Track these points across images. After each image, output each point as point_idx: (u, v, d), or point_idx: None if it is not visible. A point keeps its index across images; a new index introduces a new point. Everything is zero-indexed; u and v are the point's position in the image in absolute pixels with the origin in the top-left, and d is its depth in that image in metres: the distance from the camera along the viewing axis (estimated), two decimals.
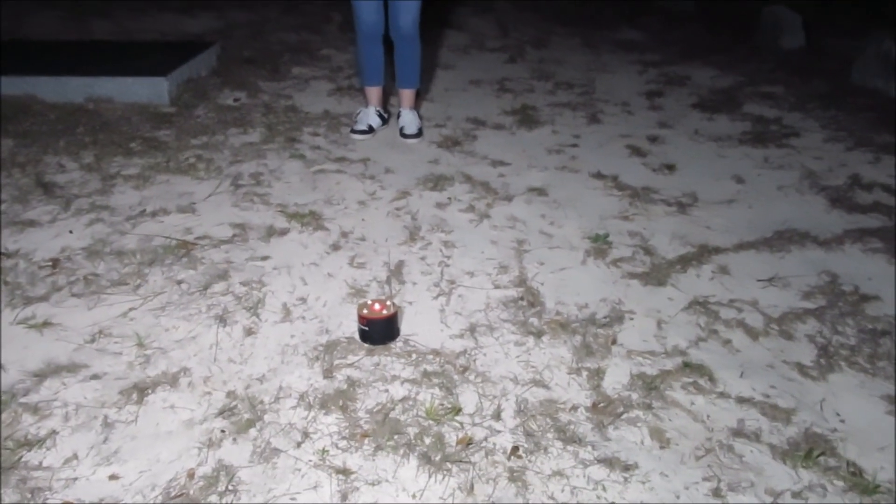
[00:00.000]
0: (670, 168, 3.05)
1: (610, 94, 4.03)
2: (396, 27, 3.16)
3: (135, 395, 1.66)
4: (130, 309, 2.00)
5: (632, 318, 2.01)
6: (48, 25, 5.29)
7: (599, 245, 2.40)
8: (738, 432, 1.59)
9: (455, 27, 5.47)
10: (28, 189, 2.69)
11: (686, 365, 1.81)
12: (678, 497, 1.42)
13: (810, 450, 1.53)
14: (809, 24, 4.95)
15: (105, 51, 4.13)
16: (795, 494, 1.43)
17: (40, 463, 1.46)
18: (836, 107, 3.76)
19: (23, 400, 1.64)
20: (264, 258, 2.28)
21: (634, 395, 1.70)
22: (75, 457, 1.48)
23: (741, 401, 1.69)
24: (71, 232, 2.40)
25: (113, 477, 1.44)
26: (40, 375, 1.72)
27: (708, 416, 1.64)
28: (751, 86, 4.16)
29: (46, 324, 1.92)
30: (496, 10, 6.11)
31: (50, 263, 2.22)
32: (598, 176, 2.95)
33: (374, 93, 3.36)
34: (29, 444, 1.50)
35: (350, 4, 3.14)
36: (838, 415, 1.67)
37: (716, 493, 1.43)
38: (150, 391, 1.68)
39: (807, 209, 2.72)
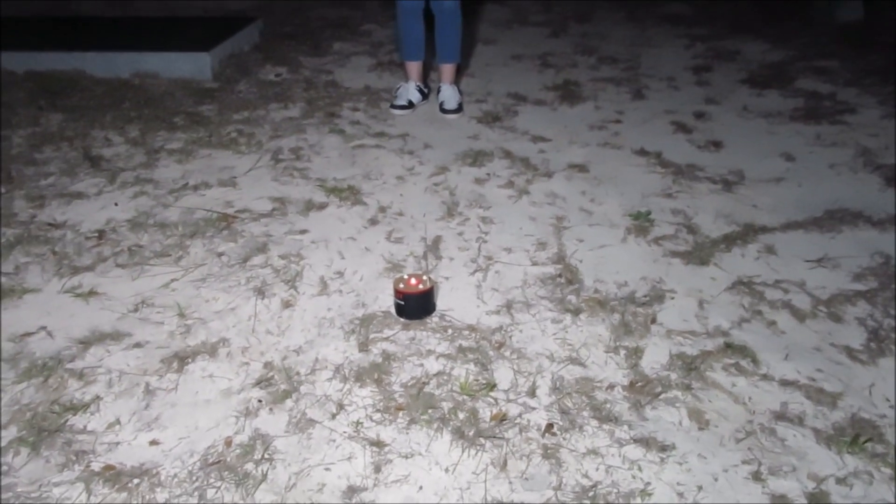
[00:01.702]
0: (716, 145, 2.96)
1: (655, 69, 3.92)
2: (438, 1, 3.12)
3: (175, 364, 1.69)
4: (172, 280, 2.03)
5: (672, 298, 1.97)
6: (91, 4, 5.39)
7: (641, 223, 2.34)
8: (780, 415, 1.55)
9: (497, 1, 5.39)
10: (76, 162, 2.76)
11: (728, 346, 1.76)
12: (716, 479, 1.39)
13: (856, 435, 1.48)
14: None
15: (150, 27, 4.19)
16: (840, 480, 1.39)
17: (84, 427, 1.51)
18: (894, 82, 3.59)
19: (69, 366, 1.68)
20: (303, 232, 2.30)
21: (673, 375, 1.66)
22: (118, 422, 1.52)
23: (785, 384, 1.64)
24: (116, 204, 2.45)
25: (153, 442, 1.47)
26: (86, 343, 1.76)
27: (749, 399, 1.59)
28: (804, 60, 4.00)
29: (92, 293, 1.97)
30: None
31: (96, 234, 2.27)
32: (641, 153, 2.88)
33: (414, 68, 3.33)
34: (74, 408, 1.55)
35: None
36: (888, 400, 1.61)
37: (755, 476, 1.39)
38: (190, 360, 1.71)
39: (860, 188, 2.61)
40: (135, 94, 3.39)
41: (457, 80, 3.42)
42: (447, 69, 3.30)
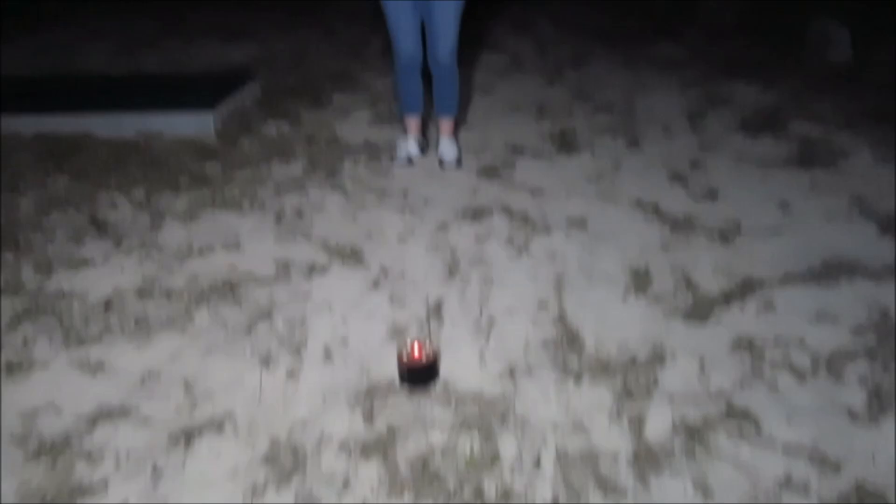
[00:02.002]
0: (712, 195, 3.00)
1: (650, 115, 3.98)
2: (434, 57, 3.19)
3: (182, 441, 1.71)
4: (178, 351, 2.06)
5: (674, 358, 1.99)
6: (100, 58, 5.50)
7: (640, 279, 2.37)
8: (785, 484, 1.56)
9: (493, 48, 5.49)
10: (82, 227, 2.80)
11: (730, 410, 1.77)
12: None
13: None
14: (857, 37, 4.81)
15: (155, 84, 4.28)
16: None
17: None
18: (886, 125, 3.64)
19: (77, 446, 1.70)
20: (306, 296, 2.33)
21: (677, 443, 1.67)
22: None
23: (788, 450, 1.65)
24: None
25: None
26: (93, 420, 1.78)
27: (753, 467, 1.60)
28: (796, 104, 4.06)
29: (99, 366, 2.00)
30: (534, 29, 6.11)
31: (103, 304, 2.30)
32: (639, 204, 2.92)
33: (413, 122, 3.39)
34: (83, 492, 1.56)
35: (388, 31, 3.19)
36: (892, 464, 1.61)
37: None
38: (197, 436, 1.72)
39: (856, 237, 2.64)
40: (140, 155, 3.45)
41: (455, 132, 3.49)
42: (446, 123, 3.36)
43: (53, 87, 4.27)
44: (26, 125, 3.61)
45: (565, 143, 3.58)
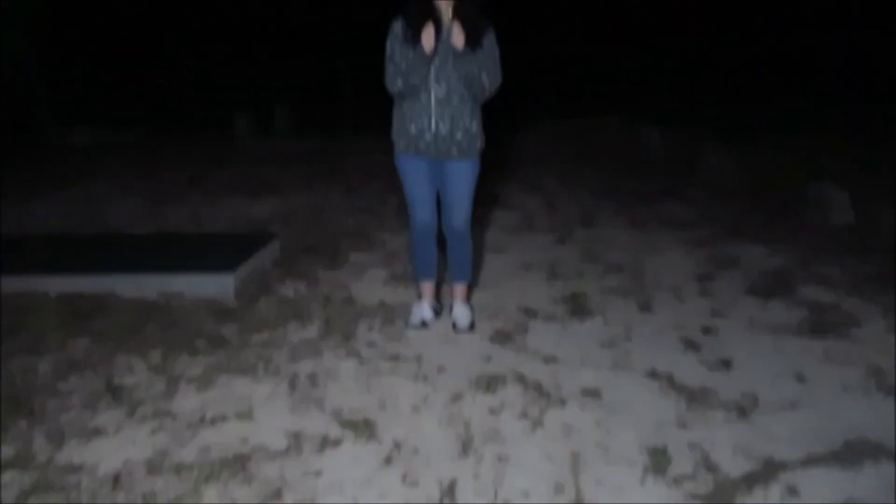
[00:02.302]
0: (727, 364, 3.00)
1: (660, 277, 4.07)
2: (449, 225, 3.32)
3: None
4: None
5: None
6: (128, 213, 5.76)
7: (659, 459, 2.32)
8: None
9: (504, 206, 5.72)
10: (98, 393, 2.82)
11: None
12: None
13: None
14: (857, 199, 4.99)
15: (178, 243, 4.44)
16: None
17: None
18: (894, 291, 3.69)
19: None
20: (317, 474, 2.29)
21: None
22: None
23: None
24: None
25: None
26: None
27: None
28: (803, 267, 4.15)
29: None
30: (544, 188, 6.39)
31: (111, 480, 2.26)
32: (653, 375, 2.91)
33: (427, 287, 3.48)
34: None
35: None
36: None
37: None
38: None
39: (876, 414, 2.60)
40: (160, 316, 3.52)
41: (469, 296, 3.56)
42: (459, 288, 3.44)
43: (80, 246, 4.44)
44: (51, 285, 3.72)
45: (577, 307, 3.63)
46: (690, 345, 3.20)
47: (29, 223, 5.51)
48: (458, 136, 3.09)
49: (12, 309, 3.58)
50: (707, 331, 3.34)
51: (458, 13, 2.99)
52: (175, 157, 8.68)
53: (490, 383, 2.85)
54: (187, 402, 2.76)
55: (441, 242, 3.43)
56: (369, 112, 11.71)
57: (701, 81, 12.51)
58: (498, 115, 3.27)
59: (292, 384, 2.88)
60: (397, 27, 3.05)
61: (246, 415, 2.66)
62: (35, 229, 5.31)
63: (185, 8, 17.41)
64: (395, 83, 3.06)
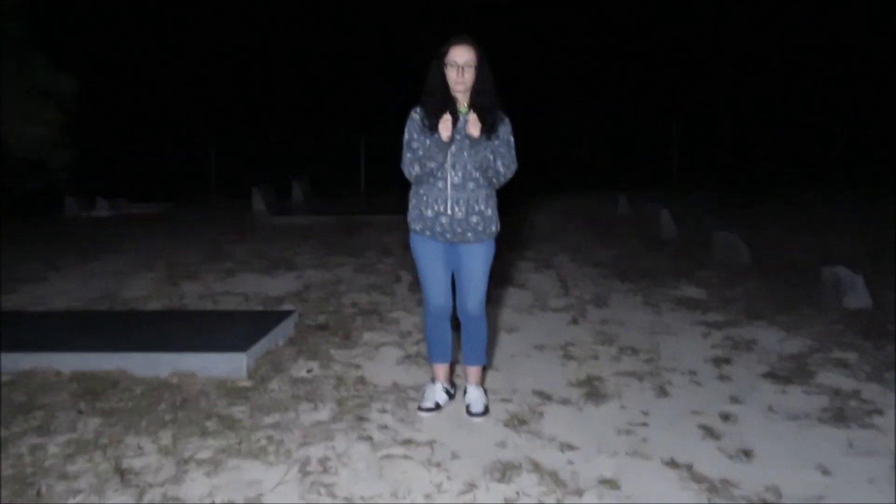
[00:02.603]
0: (747, 454, 2.92)
1: (676, 360, 4.02)
2: (464, 308, 3.33)
3: None
4: None
5: None
6: (145, 287, 5.81)
7: None
8: None
9: (517, 285, 5.73)
10: (106, 476, 2.77)
11: None
12: None
13: None
14: (871, 282, 4.96)
15: (191, 321, 4.46)
16: None
17: None
18: None
19: None
20: None
21: None
22: None
23: None
24: None
25: None
26: None
27: None
28: (821, 351, 4.10)
29: None
30: (556, 267, 6.41)
31: None
32: (672, 464, 2.84)
33: (441, 369, 3.45)
34: None
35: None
36: None
37: None
38: None
39: None
40: (171, 395, 3.50)
41: (483, 378, 3.52)
42: (473, 371, 3.42)
43: (95, 323, 4.47)
44: (65, 362, 3.72)
45: (593, 391, 3.58)
46: (709, 432, 3.13)
47: (47, 297, 5.56)
48: (474, 220, 3.14)
49: (25, 386, 3.58)
50: (726, 417, 3.27)
51: (474, 103, 3.09)
52: (192, 231, 8.82)
53: (505, 471, 2.78)
54: (196, 487, 2.71)
55: (455, 324, 3.43)
56: (383, 190, 11.99)
57: (710, 163, 12.71)
58: (507, 192, 3.31)
59: (303, 469, 2.83)
60: (416, 115, 3.15)
61: (255, 501, 2.60)
62: (53, 304, 5.36)
63: (207, 84, 18.08)
64: (412, 169, 3.13)
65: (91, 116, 9.23)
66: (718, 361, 3.99)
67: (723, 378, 3.77)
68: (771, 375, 3.77)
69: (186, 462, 2.89)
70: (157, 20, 18.49)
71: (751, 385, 3.66)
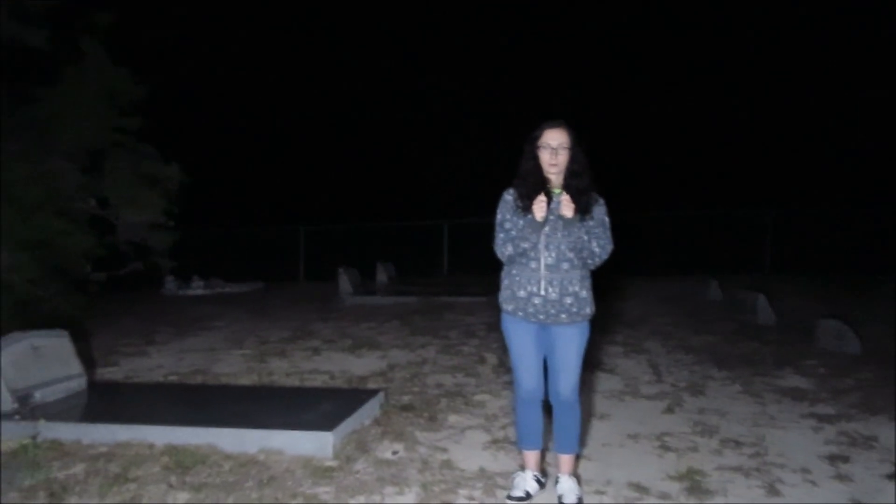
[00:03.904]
0: None
1: (785, 456, 3.71)
2: (556, 393, 3.21)
3: None
4: None
5: None
6: (236, 364, 5.94)
7: None
8: None
9: (607, 370, 5.52)
10: None
11: None
12: None
13: None
14: None
15: (279, 398, 4.50)
16: None
17: None
18: None
19: None
20: None
21: None
22: None
23: None
24: None
25: None
26: None
27: None
28: None
29: None
30: (647, 352, 6.17)
31: None
32: None
33: (531, 457, 3.31)
34: None
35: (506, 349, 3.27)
36: None
37: None
38: None
39: None
40: (258, 472, 3.49)
41: (575, 468, 3.35)
42: (566, 460, 3.25)
43: (187, 397, 4.58)
44: (158, 435, 3.79)
45: (694, 486, 3.33)
46: None
47: (144, 371, 5.77)
48: (568, 301, 3.07)
49: (121, 458, 3.66)
50: None
51: (567, 185, 3.09)
52: (281, 311, 9.06)
53: None
54: None
55: (547, 409, 3.30)
56: (464, 272, 12.04)
57: (806, 250, 12.16)
58: (596, 276, 3.23)
59: None
60: (509, 196, 3.16)
61: None
62: (149, 377, 5.55)
63: (298, 171, 19.03)
64: (504, 249, 3.12)
65: (192, 201, 9.79)
66: (834, 459, 3.66)
67: (841, 478, 3.44)
68: None
69: None
70: (254, 110, 19.82)
71: (875, 487, 3.32)
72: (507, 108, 17.30)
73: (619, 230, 3.23)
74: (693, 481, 3.40)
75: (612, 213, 3.21)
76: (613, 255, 3.23)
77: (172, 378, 5.52)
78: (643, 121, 18.33)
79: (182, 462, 3.59)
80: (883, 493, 3.25)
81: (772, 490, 3.31)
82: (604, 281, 3.88)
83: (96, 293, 9.29)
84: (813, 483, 3.39)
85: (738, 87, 18.32)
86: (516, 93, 18.40)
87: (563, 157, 3.09)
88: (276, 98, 19.97)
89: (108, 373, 5.69)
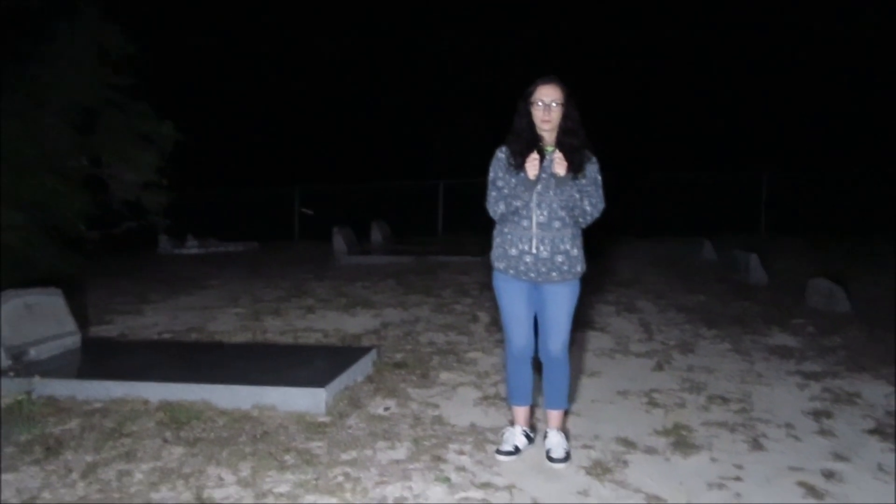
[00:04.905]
0: None
1: (770, 412, 3.78)
2: (546, 350, 3.24)
3: None
4: None
5: None
6: (230, 322, 5.98)
7: None
8: None
9: (598, 328, 5.57)
10: None
11: None
12: None
13: None
14: None
15: (273, 356, 4.54)
16: None
17: None
18: None
19: None
20: None
21: None
22: None
23: None
24: None
25: None
26: None
27: None
28: None
29: None
30: (639, 311, 6.22)
31: None
32: None
33: (521, 412, 3.36)
34: None
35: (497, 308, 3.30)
36: None
37: None
38: None
39: None
40: (252, 427, 3.54)
41: (564, 423, 3.41)
42: (554, 415, 3.31)
43: (182, 354, 4.63)
44: (153, 391, 3.83)
45: (680, 441, 3.40)
46: (811, 491, 2.90)
47: (139, 329, 5.81)
48: (559, 259, 3.08)
49: (116, 413, 3.70)
50: (830, 475, 3.03)
51: (560, 142, 3.07)
52: (276, 270, 9.08)
53: None
54: None
55: (537, 366, 3.34)
56: (458, 231, 12.04)
57: (801, 212, 12.17)
58: (589, 235, 3.24)
59: None
60: (501, 154, 3.14)
61: None
62: (143, 335, 5.59)
63: (294, 130, 18.86)
64: (497, 207, 3.12)
65: (186, 161, 9.71)
66: (818, 415, 3.73)
67: (824, 433, 3.51)
68: (878, 432, 3.48)
69: (265, 495, 2.89)
70: (247, 71, 19.55)
71: (856, 441, 3.39)
72: (505, 66, 17.09)
73: (614, 190, 3.23)
74: (679, 436, 3.46)
75: (607, 172, 3.20)
76: (610, 214, 3.23)
77: (167, 336, 5.56)
78: (640, 82, 18.16)
79: (177, 417, 3.64)
80: (864, 448, 3.32)
81: (755, 445, 3.37)
82: (599, 241, 3.88)
83: (91, 252, 9.30)
84: (796, 438, 3.45)
85: (736, 49, 18.11)
86: (513, 52, 18.17)
87: (555, 114, 3.06)
88: (272, 56, 19.69)
89: (102, 330, 5.73)
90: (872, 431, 3.50)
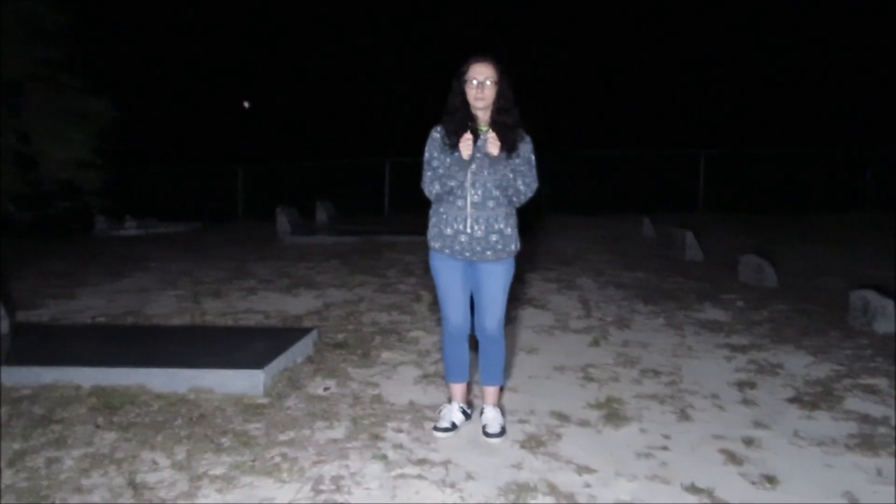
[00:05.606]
0: (771, 480, 2.84)
1: (698, 383, 3.94)
2: (482, 328, 3.29)
3: None
4: None
5: None
6: (169, 304, 5.87)
7: None
8: None
9: (539, 306, 5.66)
10: (119, 491, 2.78)
11: None
12: None
13: None
14: None
15: (211, 337, 4.49)
16: None
17: None
18: None
19: None
20: None
21: None
22: None
23: None
24: None
25: None
26: None
27: None
28: (849, 377, 3.98)
29: None
30: (579, 288, 6.35)
31: None
32: (693, 489, 2.76)
33: (458, 389, 3.42)
34: None
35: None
36: None
37: None
38: None
39: None
40: (188, 410, 3.51)
41: (500, 397, 3.48)
42: (490, 391, 3.37)
43: (117, 338, 4.53)
44: (86, 376, 3.75)
45: (612, 413, 3.52)
46: (732, 457, 3.04)
47: (73, 313, 5.65)
48: (493, 238, 3.12)
49: (46, 400, 3.61)
50: (749, 442, 3.19)
51: (494, 121, 3.09)
52: (217, 251, 8.92)
53: (520, 493, 2.73)
54: (208, 503, 2.70)
55: (473, 344, 3.39)
56: (405, 211, 12.02)
57: (737, 190, 12.56)
58: (529, 214, 3.29)
59: (316, 487, 2.80)
60: (436, 134, 3.15)
61: None
62: (78, 319, 5.44)
63: (235, 108, 18.44)
64: (432, 187, 3.13)
65: (123, 139, 9.40)
66: (742, 385, 3.90)
67: (747, 402, 3.67)
68: (797, 400, 3.67)
69: (200, 478, 2.88)
70: (188, 47, 18.97)
71: (776, 410, 3.57)
72: (451, 39, 17.01)
73: (553, 168, 3.27)
74: (611, 409, 3.58)
75: (543, 150, 3.24)
76: (551, 193, 3.28)
77: (101, 320, 5.42)
78: (581, 59, 18.32)
79: (110, 402, 3.57)
80: (783, 416, 3.49)
81: (683, 415, 3.51)
82: (541, 219, 3.94)
83: (22, 234, 8.95)
84: (721, 408, 3.61)
85: (678, 27, 18.45)
86: (458, 26, 18.10)
87: (489, 92, 3.08)
88: (213, 30, 19.15)
89: (33, 315, 5.55)
90: (792, 400, 3.69)
